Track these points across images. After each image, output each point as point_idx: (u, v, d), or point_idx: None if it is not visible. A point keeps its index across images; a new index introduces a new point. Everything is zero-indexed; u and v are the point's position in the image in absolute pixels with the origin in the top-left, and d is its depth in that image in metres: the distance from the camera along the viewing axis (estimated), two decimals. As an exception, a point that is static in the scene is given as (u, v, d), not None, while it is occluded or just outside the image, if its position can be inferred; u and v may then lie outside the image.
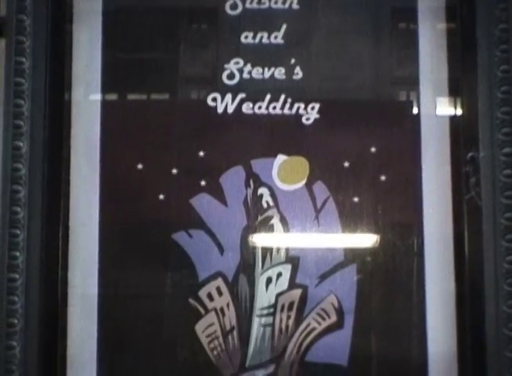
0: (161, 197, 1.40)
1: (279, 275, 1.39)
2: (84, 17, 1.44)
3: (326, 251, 1.40)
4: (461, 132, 1.39)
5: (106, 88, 1.44)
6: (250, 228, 1.40)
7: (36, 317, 1.33)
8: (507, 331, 1.32)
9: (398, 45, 1.46)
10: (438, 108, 1.43)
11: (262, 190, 1.41)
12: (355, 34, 1.45)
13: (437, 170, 1.40)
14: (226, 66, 1.43)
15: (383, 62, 1.46)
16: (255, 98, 1.42)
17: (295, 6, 1.44)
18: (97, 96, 1.43)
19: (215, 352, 1.37)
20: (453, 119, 1.41)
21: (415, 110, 1.43)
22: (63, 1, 1.41)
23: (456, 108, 1.41)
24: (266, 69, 1.43)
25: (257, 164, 1.41)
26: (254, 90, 1.42)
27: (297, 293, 1.39)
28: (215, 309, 1.39)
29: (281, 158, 1.41)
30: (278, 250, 1.40)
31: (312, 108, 1.41)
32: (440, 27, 1.44)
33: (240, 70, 1.43)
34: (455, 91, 1.42)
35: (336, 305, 1.39)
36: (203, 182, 1.40)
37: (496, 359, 1.32)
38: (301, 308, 1.39)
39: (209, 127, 1.41)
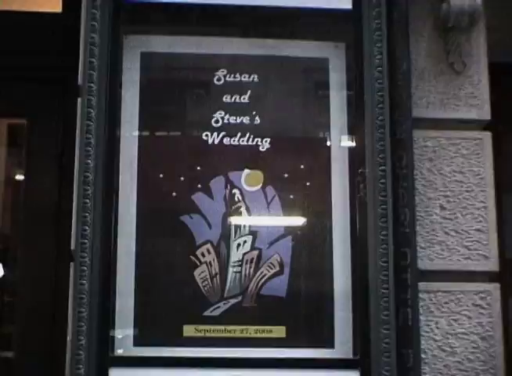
0: (174, 194, 2.25)
1: (245, 242, 2.24)
2: (127, 85, 2.27)
3: (273, 227, 2.25)
4: (355, 156, 2.25)
5: (141, 128, 2.26)
6: (227, 213, 2.25)
7: (97, 265, 2.14)
8: (382, 277, 2.16)
9: (317, 104, 2.34)
10: (341, 142, 2.29)
11: (235, 191, 2.26)
12: (292, 97, 2.32)
13: (340, 179, 2.26)
14: (214, 115, 2.29)
15: (308, 114, 2.32)
16: (231, 135, 2.28)
17: (256, 80, 2.31)
18: (135, 133, 2.26)
19: (206, 288, 2.21)
20: (350, 148, 2.28)
21: (328, 143, 2.29)
22: (114, 77, 2.23)
23: (352, 141, 2.27)
24: (238, 117, 2.29)
25: (232, 175, 2.26)
26: (230, 130, 2.28)
27: (255, 253, 2.23)
28: (206, 262, 2.22)
29: (246, 171, 2.27)
30: (244, 226, 2.25)
31: (266, 141, 2.28)
32: (343, 93, 2.30)
33: (222, 118, 2.29)
34: (352, 132, 2.28)
35: (279, 260, 2.23)
36: (199, 185, 2.25)
37: (375, 293, 2.16)
38: (258, 262, 2.23)
39: (203, 152, 2.27)
